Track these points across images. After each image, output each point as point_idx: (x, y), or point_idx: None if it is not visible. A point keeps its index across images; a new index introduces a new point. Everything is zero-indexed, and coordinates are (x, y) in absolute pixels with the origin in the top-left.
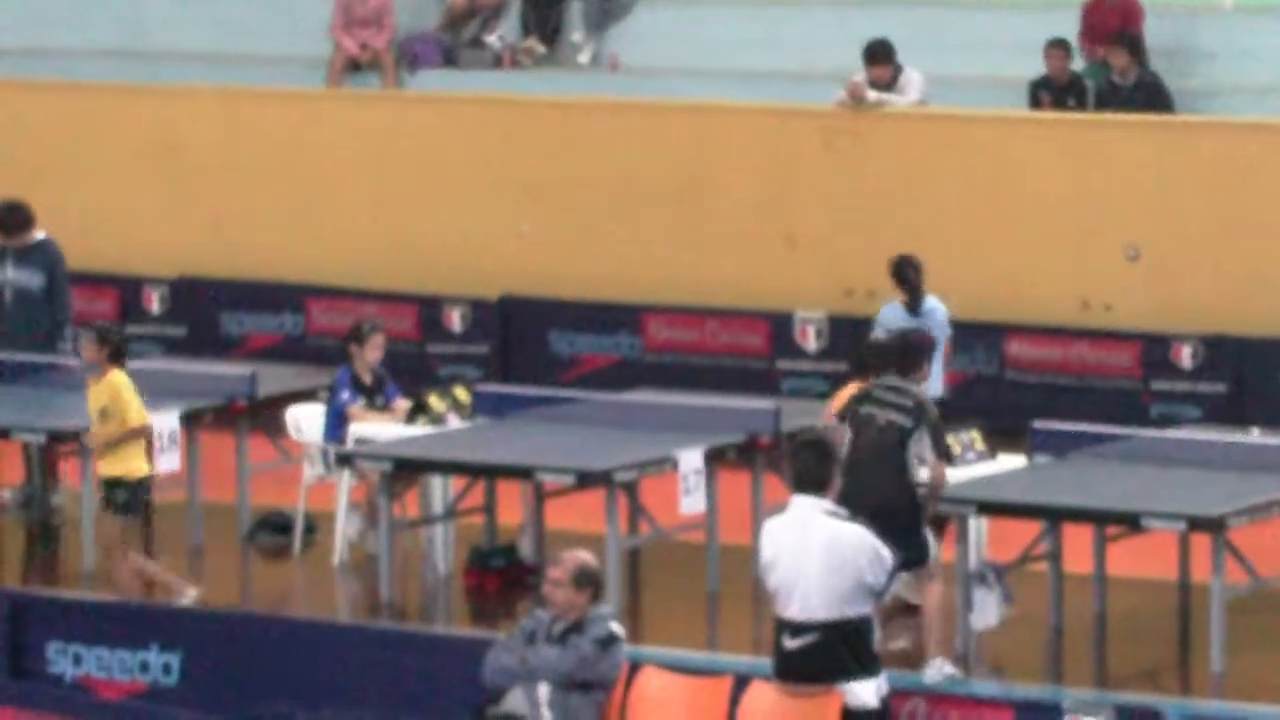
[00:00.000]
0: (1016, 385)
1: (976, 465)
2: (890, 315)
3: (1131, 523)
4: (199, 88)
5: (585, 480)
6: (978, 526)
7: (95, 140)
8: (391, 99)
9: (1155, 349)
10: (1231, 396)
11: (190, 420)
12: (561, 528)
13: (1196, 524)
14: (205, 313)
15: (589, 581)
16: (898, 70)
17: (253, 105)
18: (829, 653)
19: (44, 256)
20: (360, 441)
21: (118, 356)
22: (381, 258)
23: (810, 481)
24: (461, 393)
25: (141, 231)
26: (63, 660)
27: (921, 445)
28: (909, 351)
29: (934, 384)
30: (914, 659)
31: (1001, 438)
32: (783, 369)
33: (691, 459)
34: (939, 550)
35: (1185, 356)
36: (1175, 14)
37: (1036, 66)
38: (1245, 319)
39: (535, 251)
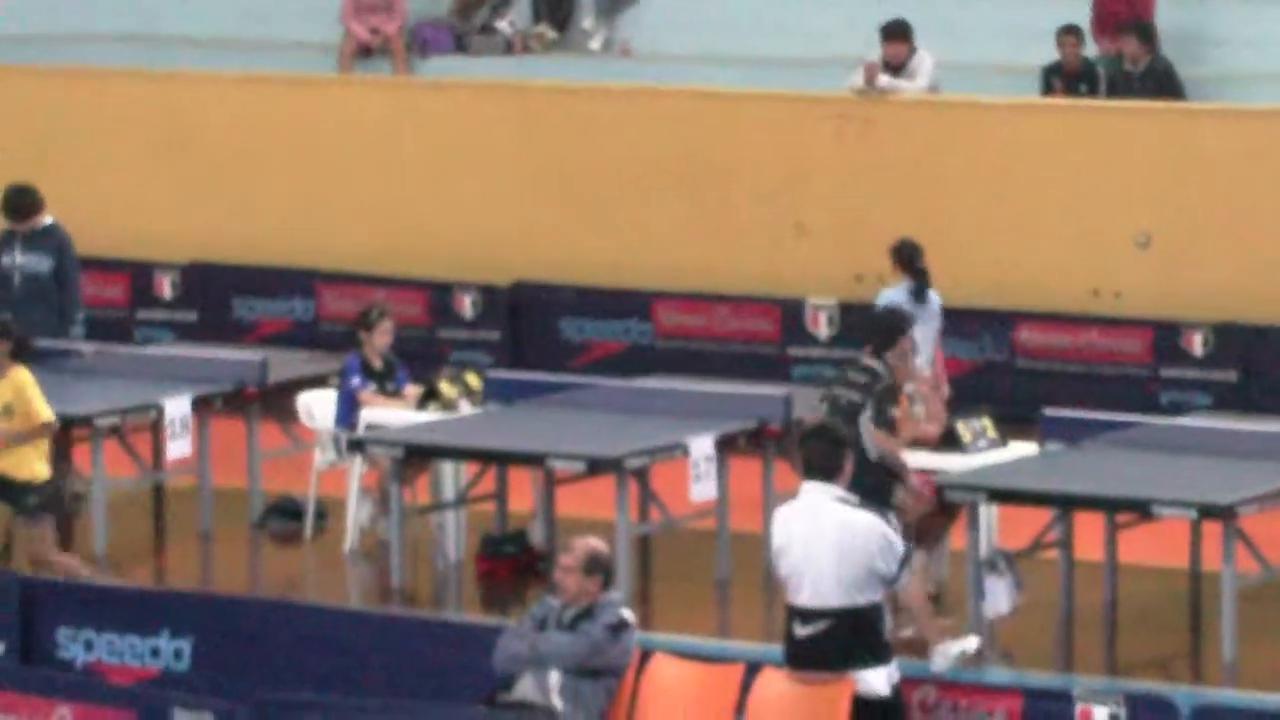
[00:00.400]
0: (1027, 372)
1: (987, 453)
2: (887, 300)
3: (1142, 510)
4: (210, 73)
5: (596, 467)
6: (988, 514)
7: (107, 126)
8: (402, 85)
9: (1166, 336)
10: (1242, 384)
11: (201, 406)
12: (572, 514)
13: (1207, 512)
14: (216, 298)
15: (600, 568)
16: (913, 50)
17: (264, 91)
18: (840, 640)
19: (53, 241)
20: (371, 427)
21: (20, 353)
22: (392, 243)
23: (821, 468)
24: (473, 379)
25: (153, 217)
26: (74, 646)
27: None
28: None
29: (922, 369)
30: (924, 647)
31: (1012, 425)
32: (794, 355)
33: (702, 446)
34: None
35: (1196, 344)
36: (1187, 1)
37: (1048, 53)
38: (1256, 306)
39: (546, 237)
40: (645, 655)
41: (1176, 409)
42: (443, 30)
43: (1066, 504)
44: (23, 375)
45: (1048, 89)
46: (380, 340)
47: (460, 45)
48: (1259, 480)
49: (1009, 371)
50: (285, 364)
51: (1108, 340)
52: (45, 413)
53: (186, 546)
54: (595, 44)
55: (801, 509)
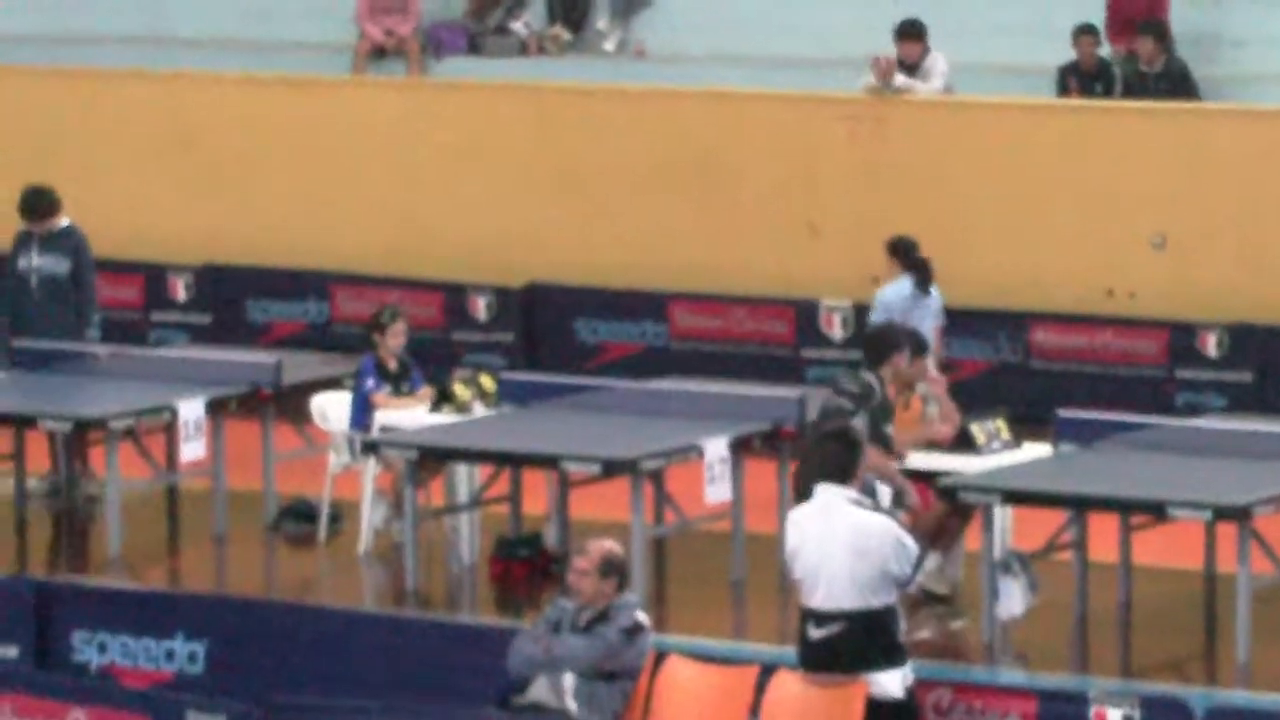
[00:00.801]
0: (1041, 373)
1: (1002, 454)
2: (896, 295)
3: (1157, 512)
4: (224, 75)
5: (611, 469)
6: (1003, 515)
7: (120, 127)
8: (416, 86)
9: (1180, 337)
10: (1257, 385)
11: (215, 408)
12: (587, 517)
13: (1222, 513)
14: (230, 300)
15: (614, 570)
16: (926, 50)
17: (278, 92)
18: (854, 642)
19: (70, 243)
20: (386, 429)
21: None
22: (406, 245)
23: (835, 471)
24: (487, 381)
25: (167, 219)
26: (88, 649)
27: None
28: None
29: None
30: (940, 649)
31: (1026, 426)
32: (808, 357)
33: (717, 447)
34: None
35: (1211, 345)
36: (1202, 2)
37: (1062, 53)
38: (1271, 307)
39: (561, 239)
40: (660, 657)
41: (1191, 410)
42: (457, 31)
43: (1081, 505)
44: None
45: (1063, 89)
46: (394, 342)
47: (474, 46)
48: (1274, 481)
49: (1023, 372)
50: (299, 366)
51: (1122, 341)
52: None
53: (201, 549)
54: (609, 45)
55: (815, 511)
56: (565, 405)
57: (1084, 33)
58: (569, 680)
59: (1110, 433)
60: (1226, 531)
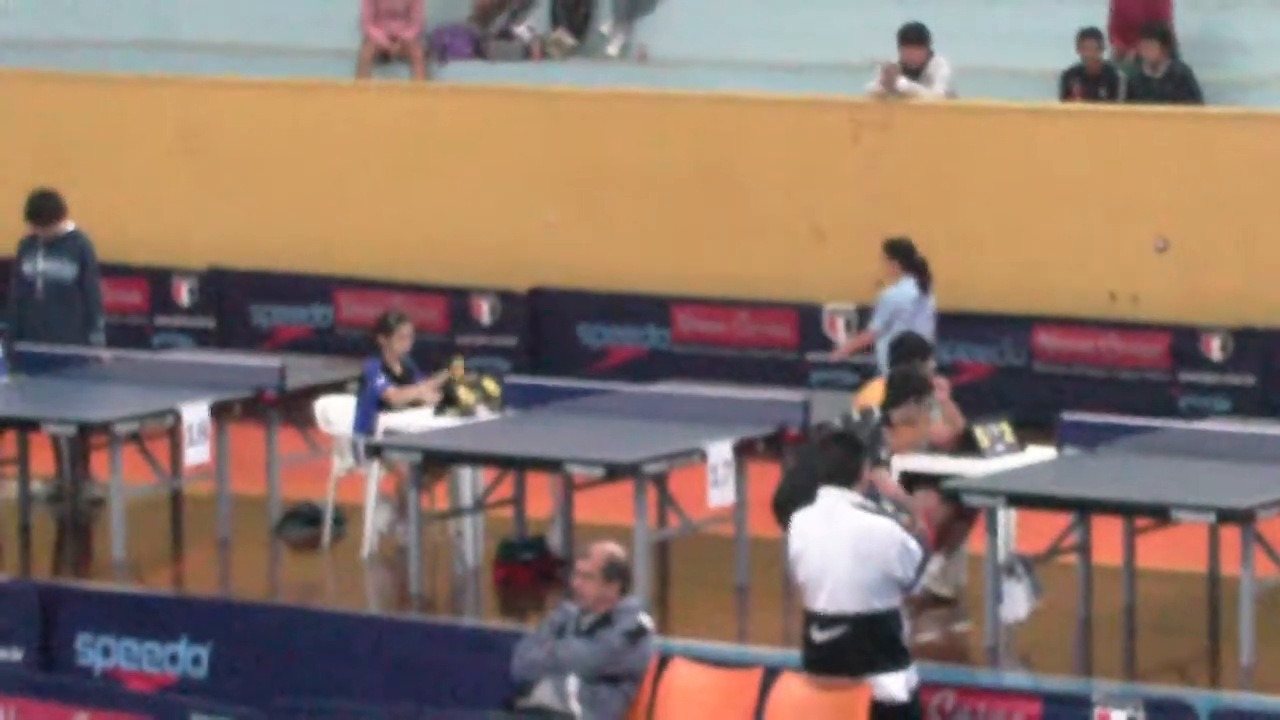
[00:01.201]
0: (1045, 377)
1: (1005, 457)
2: (904, 297)
3: (1161, 515)
4: (228, 80)
5: (614, 472)
6: (1007, 518)
7: (125, 132)
8: (421, 91)
9: (1184, 340)
10: (1260, 388)
11: (219, 412)
12: (590, 520)
13: (1226, 516)
14: (234, 304)
15: (618, 574)
16: (929, 55)
17: (282, 97)
18: (857, 645)
19: (75, 247)
20: (390, 433)
21: None
22: (410, 249)
23: (839, 474)
24: (490, 384)
25: (171, 223)
26: (92, 652)
27: None
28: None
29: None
30: (944, 651)
31: (1030, 429)
32: (812, 361)
33: (720, 451)
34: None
35: (1214, 348)
36: (1206, 5)
37: (1066, 57)
38: (1275, 310)
39: (564, 243)
40: (664, 660)
41: (1195, 413)
42: (461, 36)
43: (1085, 508)
44: None
45: (1067, 93)
46: (400, 345)
47: (479, 51)
48: (1278, 484)
49: (1027, 376)
50: (303, 370)
51: (1126, 345)
52: None
53: (205, 553)
54: (613, 49)
55: (819, 514)
56: (569, 409)
57: (1087, 37)
58: (573, 683)
59: (1114, 436)
60: (1230, 534)
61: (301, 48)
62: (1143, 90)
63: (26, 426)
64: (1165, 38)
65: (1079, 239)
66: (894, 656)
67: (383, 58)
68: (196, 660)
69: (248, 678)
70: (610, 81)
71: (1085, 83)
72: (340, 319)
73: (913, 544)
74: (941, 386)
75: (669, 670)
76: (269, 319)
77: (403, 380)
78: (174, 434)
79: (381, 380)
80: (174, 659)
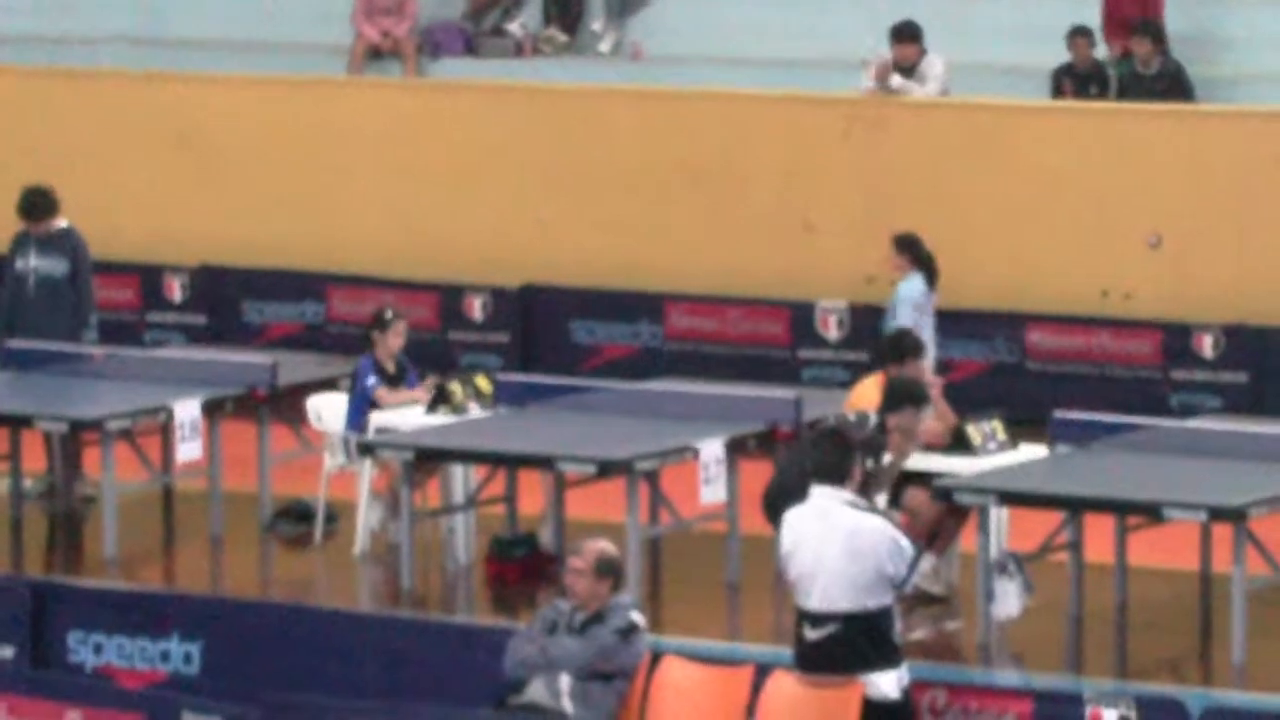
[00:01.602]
0: (1037, 375)
1: (997, 455)
2: (917, 292)
3: (1152, 513)
4: (221, 76)
5: (606, 470)
6: (998, 516)
7: (116, 128)
8: (413, 87)
9: (1176, 338)
10: (1252, 386)
11: (211, 409)
12: (582, 517)
13: (1218, 514)
14: (226, 301)
15: (610, 571)
16: (922, 53)
17: (274, 93)
18: (849, 643)
19: (68, 245)
20: (382, 430)
21: None
22: (402, 246)
23: (830, 472)
24: (482, 382)
25: (163, 220)
26: (84, 649)
27: None
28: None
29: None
30: (935, 650)
31: (1022, 427)
32: (804, 358)
33: (712, 448)
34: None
35: (1206, 346)
36: (1197, 2)
37: (1059, 55)
38: (1267, 308)
39: (556, 240)
40: (655, 658)
41: (1187, 411)
42: (453, 32)
43: (1076, 506)
44: None
45: (1058, 90)
46: (394, 342)
47: (471, 48)
48: (1269, 482)
49: (1019, 373)
50: (295, 367)
51: (1118, 342)
52: None
53: (196, 550)
54: (605, 46)
55: (810, 512)
56: (561, 406)
57: (1078, 34)
58: (565, 681)
59: (1106, 434)
60: (1222, 532)
61: (293, 44)
62: (1135, 87)
63: (18, 423)
64: (1157, 35)
65: (1071, 236)
66: (886, 654)
67: (375, 54)
68: (188, 657)
69: (239, 675)
70: (602, 79)
71: (1076, 80)
72: (332, 316)
73: (904, 542)
74: (934, 384)
75: (661, 668)
76: (261, 316)
77: (394, 379)
78: (166, 431)
79: (371, 380)
80: (165, 656)
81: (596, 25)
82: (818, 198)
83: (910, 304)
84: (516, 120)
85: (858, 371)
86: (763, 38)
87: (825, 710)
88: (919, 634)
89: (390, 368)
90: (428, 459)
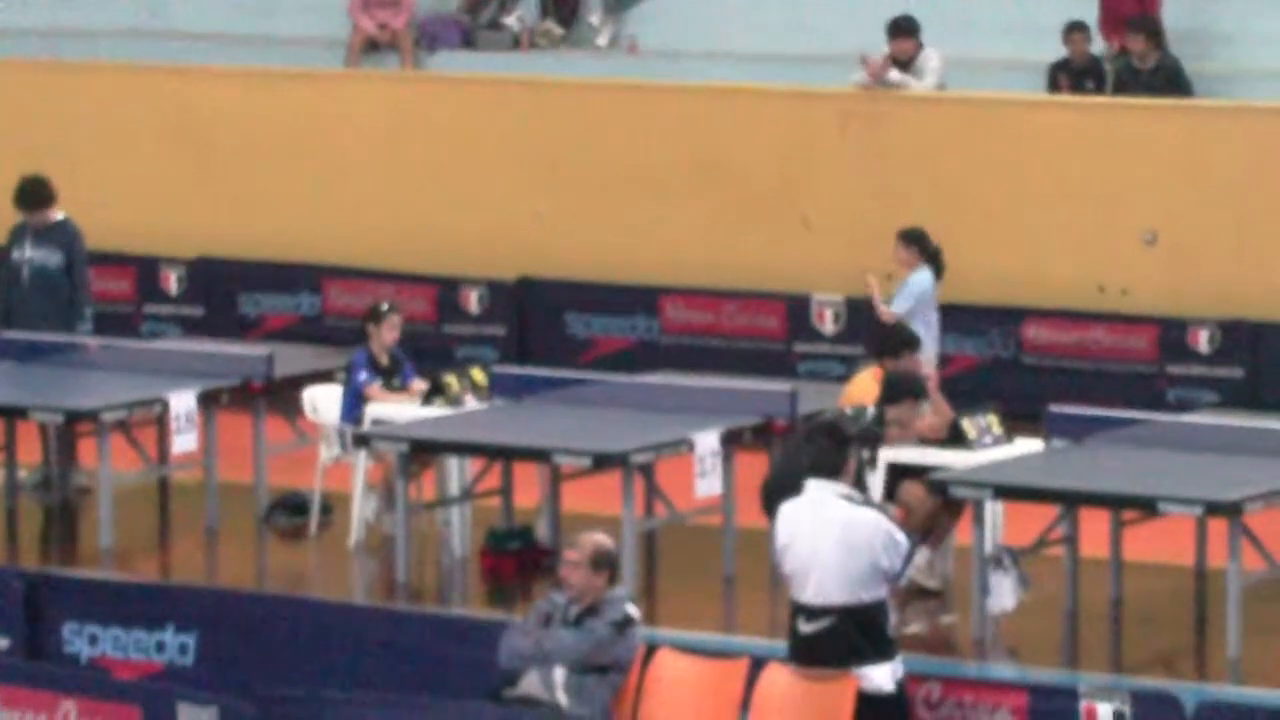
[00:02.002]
0: (1033, 369)
1: (993, 449)
2: (926, 285)
3: (1148, 507)
4: (217, 68)
5: (602, 462)
6: (994, 510)
7: (114, 120)
8: (410, 80)
9: (1172, 333)
10: (1248, 381)
11: (207, 400)
12: (578, 510)
13: (1213, 509)
14: (223, 293)
15: (606, 563)
16: (919, 47)
17: (271, 85)
18: (844, 637)
19: (63, 236)
20: (377, 422)
21: None
22: (399, 239)
23: (825, 466)
24: (478, 374)
25: (159, 212)
26: (79, 640)
27: None
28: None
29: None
30: (930, 643)
31: (1018, 421)
32: (800, 351)
33: (708, 441)
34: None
35: (1202, 341)
36: None
37: (1055, 50)
38: (1262, 303)
39: (553, 233)
40: (650, 650)
41: (1182, 406)
42: (450, 25)
43: (1072, 501)
44: None
45: (1054, 85)
46: (388, 336)
47: (468, 41)
48: (1265, 477)
49: (1015, 368)
50: (291, 359)
51: (1114, 337)
52: None
53: (192, 541)
54: (602, 40)
55: (805, 506)
56: (556, 399)
57: (1074, 30)
58: (559, 673)
59: (1101, 428)
60: (1217, 527)
61: (290, 37)
62: (1131, 83)
63: (13, 414)
64: (1152, 31)
65: (1068, 231)
66: (880, 648)
67: (372, 47)
68: (183, 649)
69: (234, 666)
70: (599, 72)
71: (1072, 75)
72: (328, 308)
73: (899, 535)
74: (930, 378)
75: (655, 660)
76: (257, 308)
77: (389, 371)
78: (161, 422)
79: (364, 375)
80: (160, 647)
81: (594, 19)
82: (814, 192)
83: (915, 295)
84: (513, 113)
85: (853, 365)
86: (760, 32)
87: (820, 703)
88: (914, 627)
89: (385, 360)
90: (423, 451)
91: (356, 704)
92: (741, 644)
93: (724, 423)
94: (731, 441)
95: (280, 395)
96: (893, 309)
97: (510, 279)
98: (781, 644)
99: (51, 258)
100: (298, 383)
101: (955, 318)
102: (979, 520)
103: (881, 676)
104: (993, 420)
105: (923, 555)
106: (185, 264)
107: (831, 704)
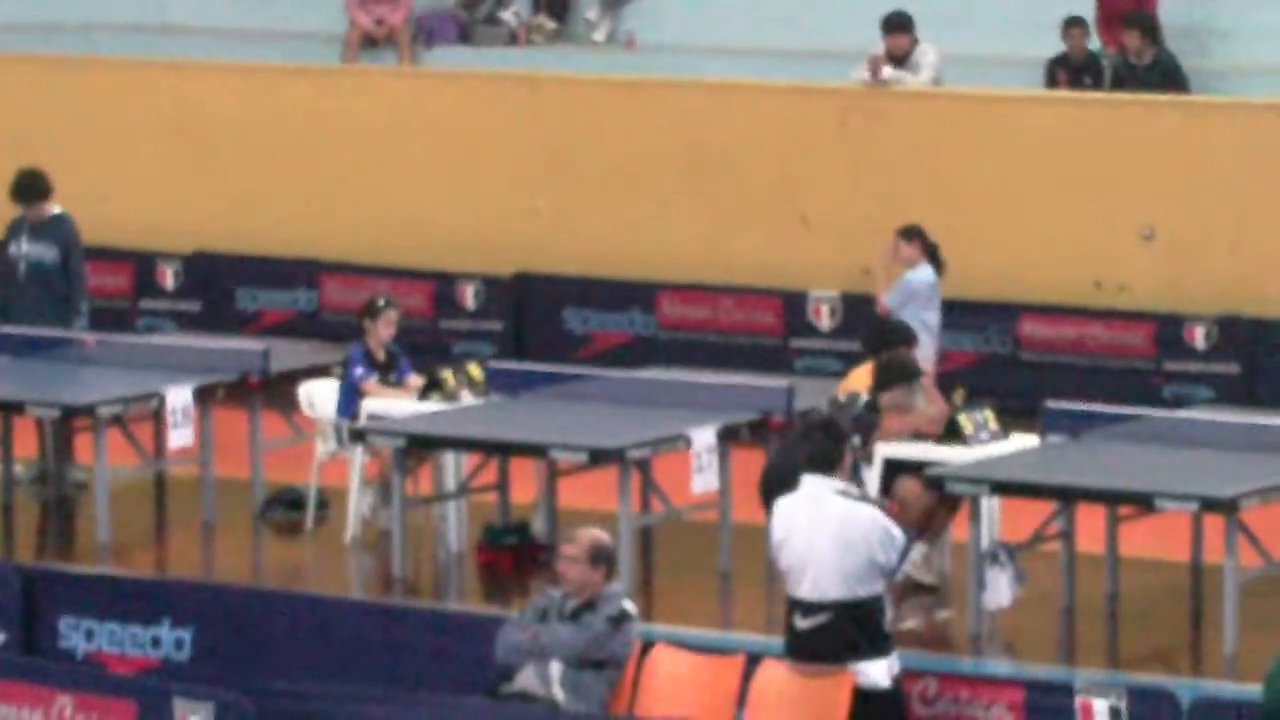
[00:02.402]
0: (1030, 365)
1: (989, 445)
2: (921, 280)
3: (1144, 503)
4: (215, 63)
5: (598, 458)
6: (990, 506)
7: (112, 115)
8: (407, 75)
9: (1168, 329)
10: (1244, 377)
11: (203, 395)
12: (574, 506)
13: (1209, 505)
14: (219, 288)
15: (604, 558)
16: (915, 42)
17: (269, 81)
18: (840, 632)
19: (60, 231)
20: (373, 418)
21: None
22: (396, 234)
23: (821, 461)
24: (475, 369)
25: (156, 206)
26: (75, 635)
27: None
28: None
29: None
30: (926, 639)
31: (1014, 417)
32: (796, 347)
33: (704, 437)
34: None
35: (1198, 337)
36: None
37: (1053, 45)
38: (1259, 299)
39: (550, 229)
40: (647, 646)
41: (1179, 402)
42: (447, 20)
43: (1068, 496)
44: None
45: (1052, 81)
46: (385, 331)
47: (465, 36)
48: (1261, 473)
49: (1012, 364)
50: (287, 354)
51: (1111, 333)
52: None
53: (188, 536)
54: (599, 35)
55: (802, 501)
56: (553, 394)
57: (1072, 25)
58: (556, 669)
59: (1098, 424)
60: (1213, 523)
61: (288, 32)
62: (1129, 79)
63: (10, 409)
64: (1149, 26)
65: (1065, 227)
66: (877, 643)
67: (369, 42)
68: (179, 644)
69: (230, 661)
70: (596, 68)
71: (1070, 71)
72: (325, 303)
73: (896, 530)
74: (926, 373)
75: (651, 656)
76: (254, 303)
77: (385, 367)
78: (158, 417)
79: (360, 370)
80: (157, 642)
81: (590, 14)
82: (811, 187)
83: (909, 290)
84: (510, 109)
85: (850, 361)
86: (757, 28)
87: (816, 699)
88: (910, 623)
89: (381, 356)
90: (419, 446)
91: (353, 699)
92: (738, 639)
93: (721, 418)
94: (728, 437)
95: (277, 390)
96: (886, 300)
97: (507, 274)
98: (778, 639)
99: (48, 253)
100: (294, 378)
101: (952, 313)
102: (975, 516)
103: (878, 672)
104: (989, 415)
105: (919, 551)
106: (182, 259)
107: (828, 699)
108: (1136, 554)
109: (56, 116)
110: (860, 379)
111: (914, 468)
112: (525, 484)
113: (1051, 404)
